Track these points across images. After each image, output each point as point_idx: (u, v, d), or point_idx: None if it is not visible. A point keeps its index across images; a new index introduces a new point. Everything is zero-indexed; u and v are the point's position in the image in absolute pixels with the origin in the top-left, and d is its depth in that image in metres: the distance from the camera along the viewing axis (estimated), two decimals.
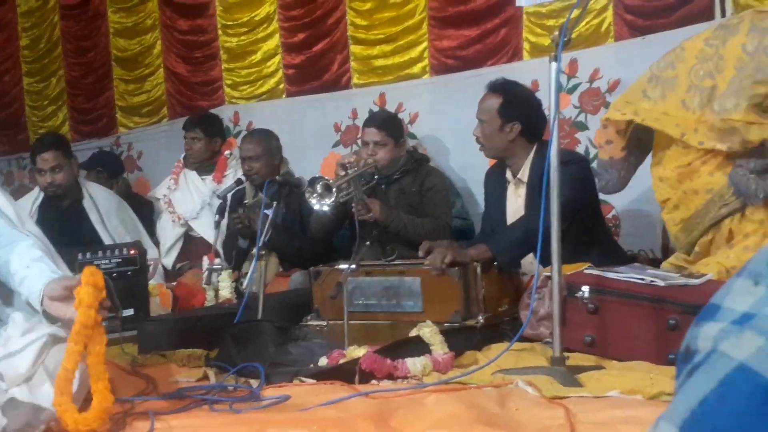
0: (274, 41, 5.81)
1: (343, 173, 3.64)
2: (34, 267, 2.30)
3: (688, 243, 3.34)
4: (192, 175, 5.31)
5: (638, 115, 3.35)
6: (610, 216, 4.23)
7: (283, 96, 5.77)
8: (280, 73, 5.79)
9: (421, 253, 3.26)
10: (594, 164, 3.81)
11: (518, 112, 3.52)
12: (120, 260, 3.72)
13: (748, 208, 3.13)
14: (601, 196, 3.76)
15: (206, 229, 5.01)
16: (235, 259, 4.35)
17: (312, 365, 2.78)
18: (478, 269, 3.10)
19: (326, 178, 3.56)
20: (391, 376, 2.58)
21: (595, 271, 2.91)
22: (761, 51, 3.10)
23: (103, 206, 4.81)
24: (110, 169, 5.81)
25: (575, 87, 4.44)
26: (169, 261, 5.22)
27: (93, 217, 4.74)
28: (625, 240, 4.07)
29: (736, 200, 3.15)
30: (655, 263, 3.53)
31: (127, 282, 3.66)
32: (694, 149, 3.25)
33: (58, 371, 2.11)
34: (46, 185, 4.67)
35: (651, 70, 3.40)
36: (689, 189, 3.28)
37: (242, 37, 5.98)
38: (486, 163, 4.05)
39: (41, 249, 2.42)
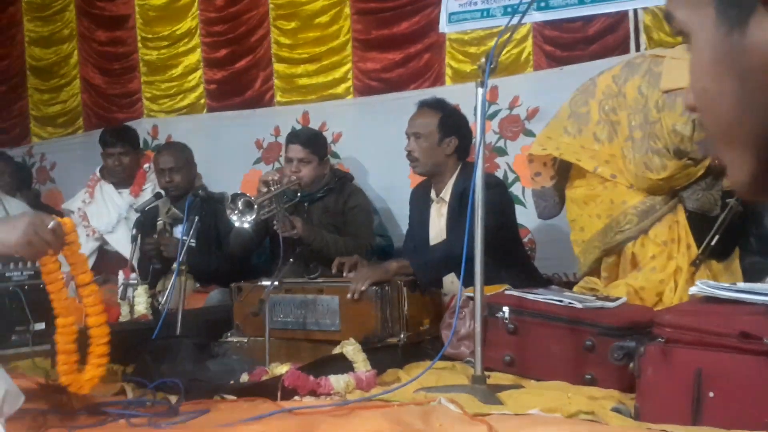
0: (196, 56, 5.75)
1: (265, 190, 3.62)
2: None
3: (587, 266, 3.46)
4: (108, 188, 5.19)
5: (559, 150, 3.48)
6: (526, 239, 4.32)
7: (204, 111, 5.72)
8: (201, 88, 5.73)
9: (334, 270, 3.33)
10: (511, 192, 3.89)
11: (455, 128, 3.62)
12: (32, 272, 3.60)
13: (652, 230, 3.27)
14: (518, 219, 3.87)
15: (122, 243, 4.91)
16: (152, 275, 4.28)
17: (232, 382, 2.76)
18: (404, 288, 3.14)
19: (248, 194, 3.55)
20: (314, 393, 2.57)
21: (515, 293, 2.96)
22: (652, 105, 3.25)
23: None
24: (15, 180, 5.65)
25: (496, 113, 4.54)
26: None
27: None
28: (541, 263, 4.15)
29: (632, 228, 3.29)
30: (570, 286, 3.62)
31: (39, 295, 3.55)
32: (598, 175, 3.39)
33: None
34: None
35: (570, 106, 3.53)
36: (592, 213, 3.41)
37: (162, 51, 5.91)
38: (407, 184, 4.10)
39: None
